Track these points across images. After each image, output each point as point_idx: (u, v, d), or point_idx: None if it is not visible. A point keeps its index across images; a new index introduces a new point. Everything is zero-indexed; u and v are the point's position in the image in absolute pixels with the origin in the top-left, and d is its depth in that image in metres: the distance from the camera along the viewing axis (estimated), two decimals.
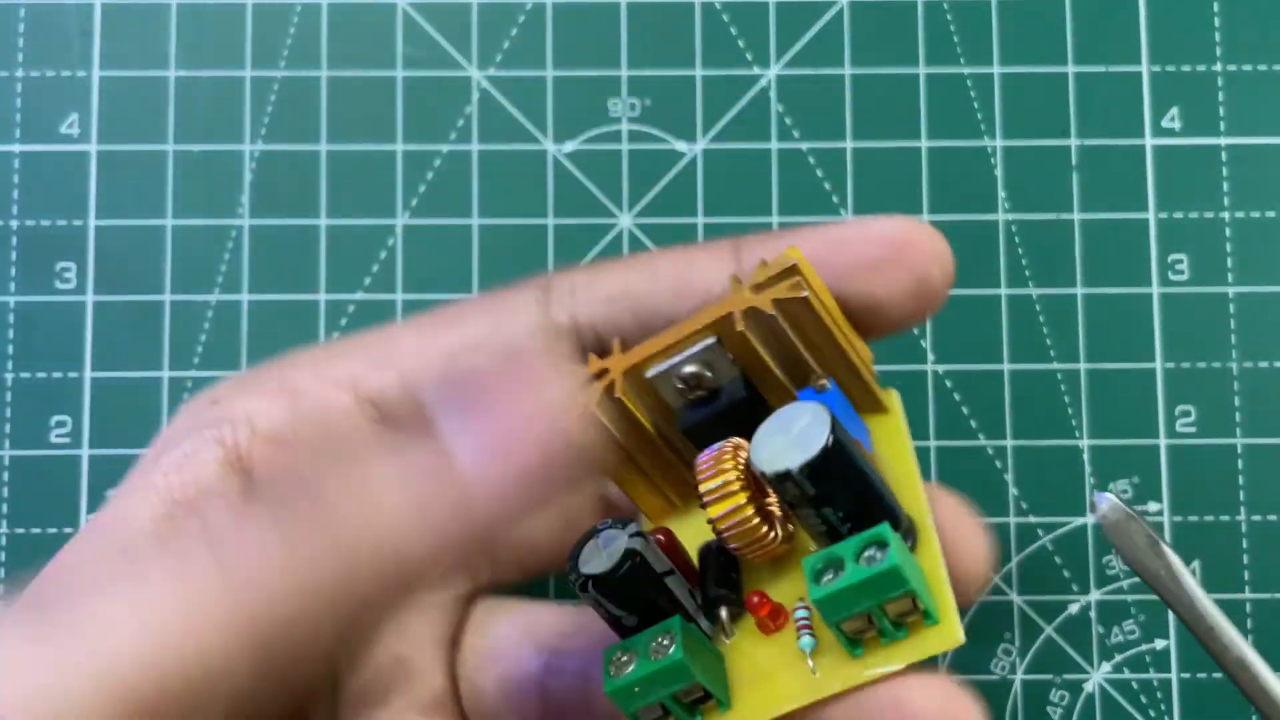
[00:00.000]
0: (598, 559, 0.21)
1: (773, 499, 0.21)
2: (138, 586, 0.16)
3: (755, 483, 0.21)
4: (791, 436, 0.20)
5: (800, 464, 0.20)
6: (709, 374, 0.22)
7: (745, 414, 0.22)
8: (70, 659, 0.16)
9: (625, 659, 0.21)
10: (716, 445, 0.21)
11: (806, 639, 0.21)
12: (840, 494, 0.20)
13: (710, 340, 0.22)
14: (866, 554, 0.20)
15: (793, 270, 0.21)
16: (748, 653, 0.22)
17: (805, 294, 0.21)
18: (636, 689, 0.20)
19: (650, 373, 0.22)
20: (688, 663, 0.20)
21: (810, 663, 0.21)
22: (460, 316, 0.24)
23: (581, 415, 0.19)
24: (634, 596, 0.21)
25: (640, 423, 0.22)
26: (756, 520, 0.21)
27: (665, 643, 0.21)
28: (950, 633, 0.20)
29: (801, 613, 0.21)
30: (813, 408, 0.20)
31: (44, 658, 0.16)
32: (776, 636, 0.22)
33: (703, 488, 0.21)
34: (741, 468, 0.21)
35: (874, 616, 0.20)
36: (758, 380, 0.22)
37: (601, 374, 0.22)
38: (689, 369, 0.22)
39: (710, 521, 0.21)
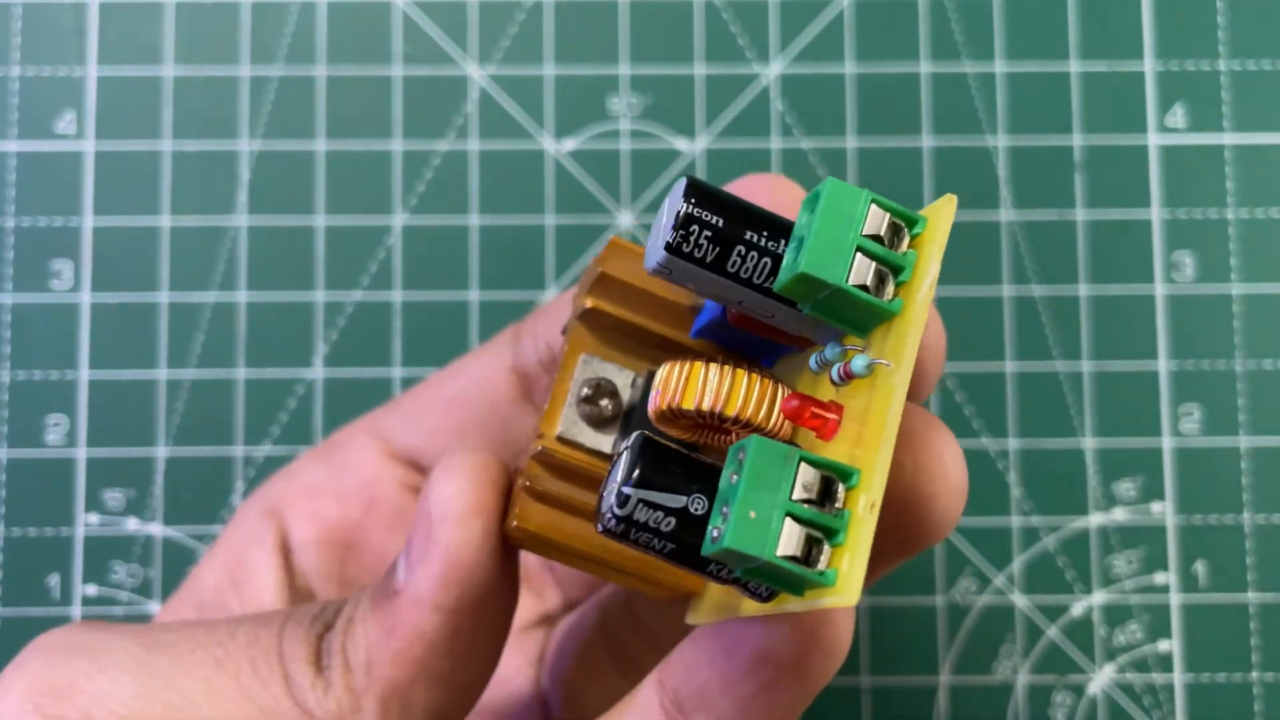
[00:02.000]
0: (614, 484, 0.18)
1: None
2: (221, 680, 0.21)
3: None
4: (666, 216, 0.18)
5: (682, 196, 0.18)
6: (602, 380, 0.21)
7: None
8: (157, 695, 0.20)
9: (722, 520, 0.17)
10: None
11: (859, 360, 0.18)
12: (738, 213, 0.18)
13: (582, 356, 0.21)
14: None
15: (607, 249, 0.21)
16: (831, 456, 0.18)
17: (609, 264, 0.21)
18: (752, 513, 0.16)
19: (560, 430, 0.21)
20: (768, 442, 0.17)
21: (883, 361, 0.17)
22: (450, 375, 0.27)
23: (473, 542, 0.20)
24: (680, 472, 0.18)
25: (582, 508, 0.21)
26: (731, 368, 0.19)
27: (742, 455, 0.17)
28: (943, 206, 0.18)
29: (836, 374, 0.18)
30: (667, 201, 0.18)
31: (136, 684, 0.20)
32: (842, 428, 0.18)
33: (663, 400, 0.19)
34: (681, 364, 0.19)
35: (869, 251, 0.17)
36: (649, 346, 0.22)
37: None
38: (585, 390, 0.21)
39: (698, 414, 0.18)
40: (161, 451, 0.33)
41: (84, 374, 0.33)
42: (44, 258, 0.33)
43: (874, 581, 0.22)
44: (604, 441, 0.21)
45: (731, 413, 0.18)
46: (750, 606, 0.18)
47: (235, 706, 0.20)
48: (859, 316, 0.18)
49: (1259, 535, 0.32)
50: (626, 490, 0.17)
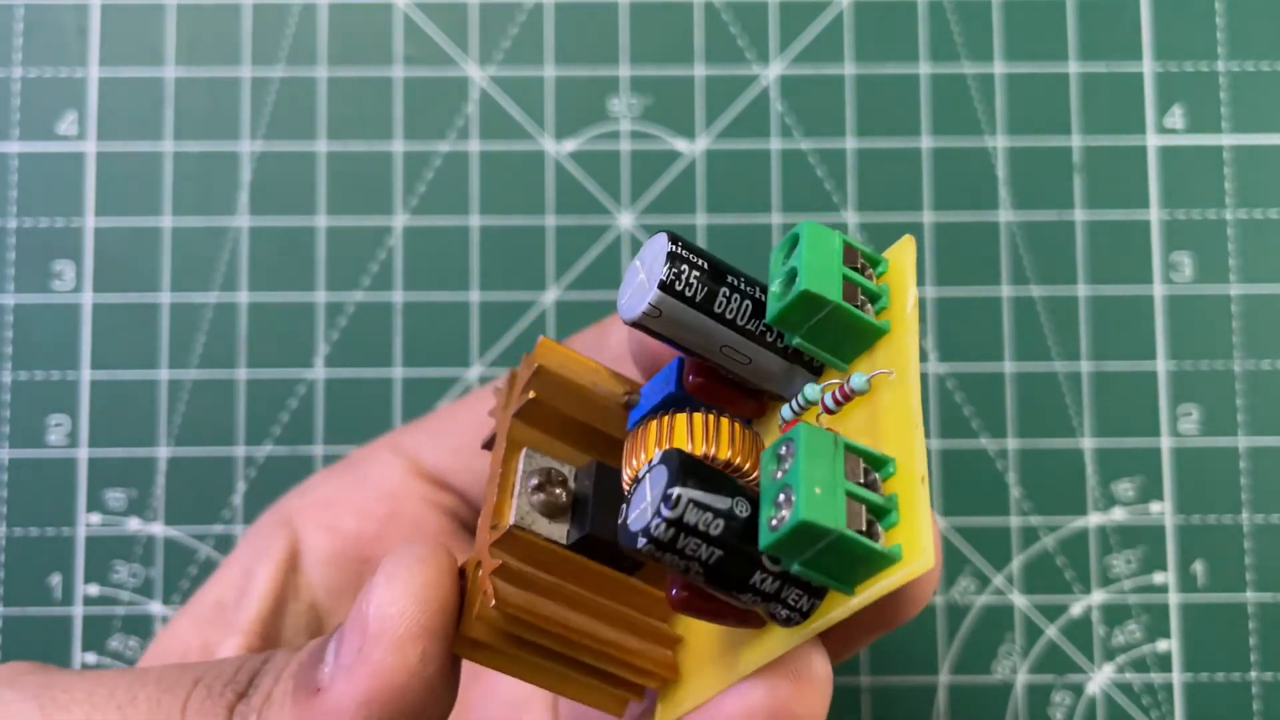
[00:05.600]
0: (645, 500, 0.17)
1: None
2: None
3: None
4: (644, 270, 0.19)
5: (668, 239, 0.19)
6: (553, 468, 0.21)
7: (613, 477, 0.21)
8: None
9: (778, 509, 0.17)
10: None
11: (858, 377, 0.18)
12: (717, 259, 0.19)
13: (523, 451, 0.21)
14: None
15: (532, 359, 0.21)
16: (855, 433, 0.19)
17: (537, 365, 0.21)
18: (817, 489, 0.16)
19: (514, 520, 0.20)
20: (815, 429, 0.17)
21: (885, 370, 0.18)
22: (480, 397, 0.27)
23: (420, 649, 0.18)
24: (718, 476, 0.17)
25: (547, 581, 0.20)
26: (715, 415, 0.19)
27: (785, 450, 0.17)
28: (903, 247, 0.19)
29: (830, 400, 0.19)
30: (642, 257, 0.19)
31: None
32: (851, 406, 0.19)
33: (648, 457, 0.19)
34: (659, 420, 0.19)
35: (852, 278, 0.19)
36: (584, 445, 0.21)
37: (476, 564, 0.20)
38: (534, 480, 0.20)
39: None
40: (163, 451, 0.33)
41: (85, 374, 0.33)
42: (46, 258, 0.33)
43: (848, 656, 0.22)
44: (559, 532, 0.20)
45: (724, 457, 0.19)
46: (772, 643, 0.18)
47: None
48: (848, 340, 0.19)
49: (1257, 535, 0.32)
50: (675, 490, 0.17)
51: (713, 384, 0.20)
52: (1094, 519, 0.32)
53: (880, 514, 0.17)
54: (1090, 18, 0.34)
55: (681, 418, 0.19)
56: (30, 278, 0.33)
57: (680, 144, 0.34)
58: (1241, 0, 0.34)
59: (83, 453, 0.33)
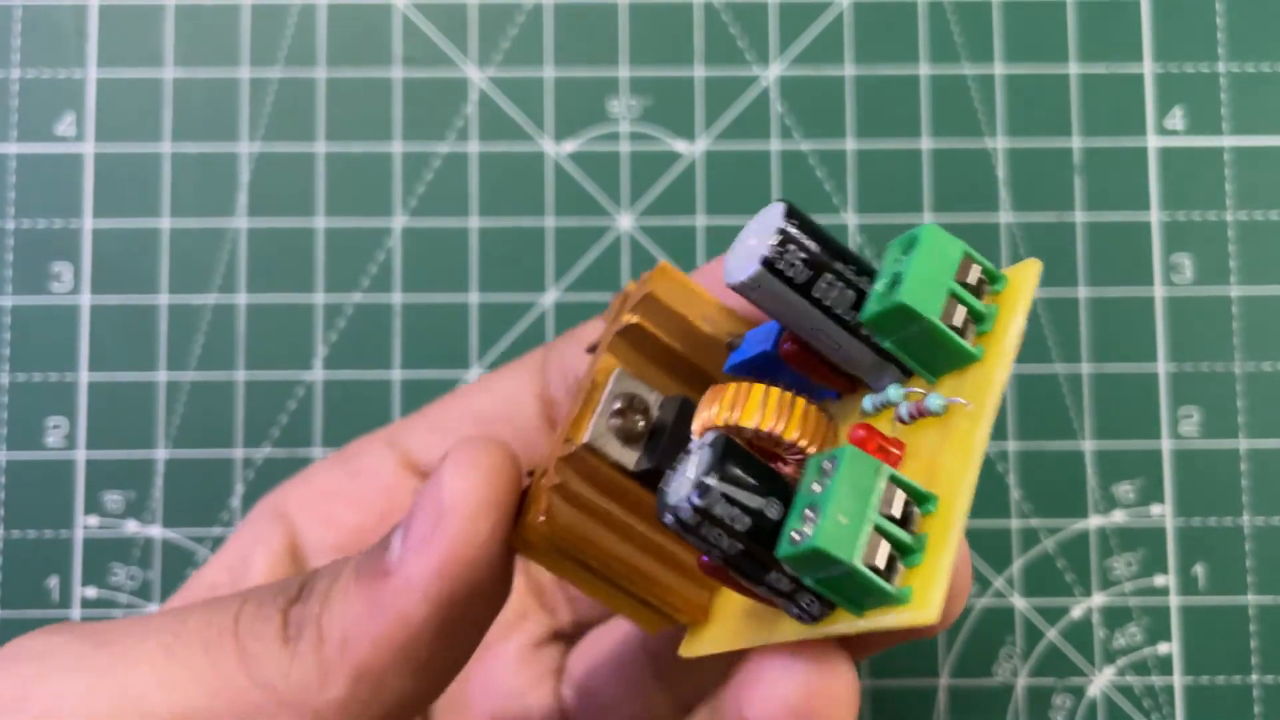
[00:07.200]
0: (685, 476, 0.17)
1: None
2: (172, 666, 0.20)
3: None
4: (755, 236, 0.19)
5: (784, 215, 0.19)
6: (638, 395, 0.21)
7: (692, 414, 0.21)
8: (104, 691, 0.19)
9: (804, 523, 0.17)
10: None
11: (935, 399, 0.18)
12: (831, 243, 0.19)
13: (615, 371, 0.21)
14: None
15: (647, 283, 0.21)
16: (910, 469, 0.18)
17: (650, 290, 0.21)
18: (843, 518, 0.16)
19: (589, 438, 0.20)
20: (860, 453, 0.17)
21: (962, 400, 0.18)
22: (475, 390, 0.27)
23: (490, 526, 0.19)
24: (758, 473, 0.17)
25: (608, 499, 0.20)
26: (792, 394, 0.19)
27: (828, 465, 0.17)
28: (1028, 268, 0.19)
29: (905, 413, 0.18)
30: (757, 221, 0.19)
31: (83, 683, 0.19)
32: (902, 466, 0.18)
33: (719, 417, 0.19)
34: (738, 384, 0.19)
35: (960, 296, 0.18)
36: (679, 376, 0.22)
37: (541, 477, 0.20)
38: (617, 403, 0.20)
39: (755, 433, 0.18)
40: (161, 454, 0.33)
41: (84, 376, 0.33)
42: (44, 260, 0.33)
43: (864, 657, 0.22)
44: (629, 457, 0.20)
45: (790, 437, 0.19)
46: (786, 629, 0.18)
47: (184, 692, 0.19)
48: (939, 357, 0.18)
49: (1258, 537, 0.32)
50: (709, 481, 0.17)
51: (806, 354, 0.20)
52: (1094, 521, 0.32)
53: (904, 552, 0.17)
54: (1090, 18, 0.34)
55: (760, 388, 0.19)
56: (28, 279, 0.33)
57: (680, 145, 0.34)
58: (1241, 1, 0.34)
59: (81, 454, 0.33)
